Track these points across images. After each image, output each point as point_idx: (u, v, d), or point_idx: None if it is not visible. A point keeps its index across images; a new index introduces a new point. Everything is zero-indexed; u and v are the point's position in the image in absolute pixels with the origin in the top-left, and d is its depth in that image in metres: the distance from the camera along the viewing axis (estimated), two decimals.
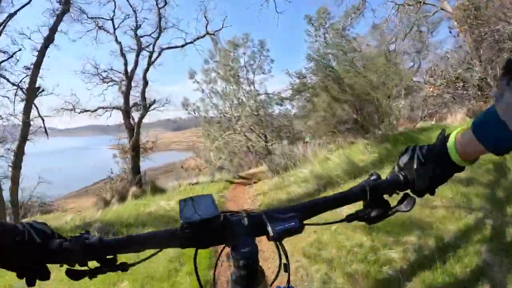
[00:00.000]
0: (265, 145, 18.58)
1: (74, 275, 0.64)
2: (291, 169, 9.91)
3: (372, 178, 0.78)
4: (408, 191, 0.78)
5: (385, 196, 0.78)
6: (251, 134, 18.93)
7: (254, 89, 18.63)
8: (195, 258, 0.73)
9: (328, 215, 0.82)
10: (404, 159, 0.79)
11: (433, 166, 0.73)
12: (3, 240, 0.59)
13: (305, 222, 0.69)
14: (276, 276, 0.77)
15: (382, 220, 0.76)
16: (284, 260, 0.75)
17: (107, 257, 0.66)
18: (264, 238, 0.68)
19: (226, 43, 18.50)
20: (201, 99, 19.23)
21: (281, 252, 0.74)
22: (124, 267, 0.68)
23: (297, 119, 15.86)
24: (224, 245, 0.71)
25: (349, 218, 0.77)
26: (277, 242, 0.70)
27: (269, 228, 0.65)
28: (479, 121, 0.63)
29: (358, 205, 0.81)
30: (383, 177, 0.81)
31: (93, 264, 0.66)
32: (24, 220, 0.98)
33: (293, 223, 0.65)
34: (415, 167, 0.75)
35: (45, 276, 0.63)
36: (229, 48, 18.50)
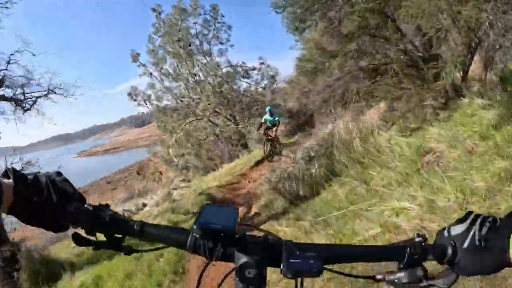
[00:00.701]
0: (236, 128, 16.28)
1: (78, 241, 0.67)
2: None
3: (417, 239, 0.71)
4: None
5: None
6: (217, 118, 16.55)
7: (212, 62, 15.90)
8: (202, 271, 0.69)
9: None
10: (459, 229, 0.69)
11: (485, 254, 0.65)
12: (25, 198, 0.64)
13: (326, 266, 0.66)
14: None
15: None
16: None
17: (115, 235, 0.69)
18: None
19: (171, 11, 15.62)
20: (150, 84, 16.45)
21: None
22: (128, 251, 0.70)
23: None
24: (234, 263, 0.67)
25: (378, 278, 0.71)
26: (295, 280, 0.66)
27: (283, 262, 0.62)
28: None
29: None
30: (430, 240, 0.74)
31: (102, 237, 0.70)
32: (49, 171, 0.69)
33: (311, 265, 0.61)
34: (466, 245, 0.66)
35: (64, 229, 0.69)
36: (175, 16, 15.63)
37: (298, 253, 0.63)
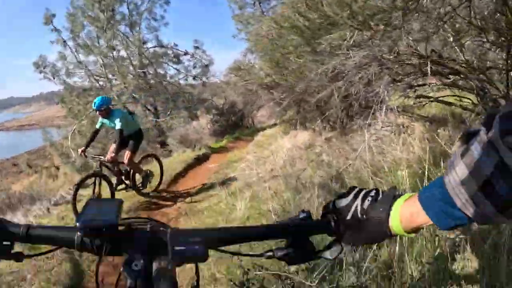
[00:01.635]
0: (156, 121, 14.87)
1: None
2: None
3: (301, 216, 0.80)
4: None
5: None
6: (135, 106, 14.99)
7: (138, 36, 14.31)
8: (97, 268, 0.76)
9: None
10: (343, 202, 0.79)
11: (367, 226, 0.74)
12: None
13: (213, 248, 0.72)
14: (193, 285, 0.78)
15: (304, 262, 0.88)
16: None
17: (4, 242, 0.68)
18: None
19: None
20: (61, 55, 14.31)
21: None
22: (19, 257, 0.70)
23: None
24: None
25: (266, 255, 0.78)
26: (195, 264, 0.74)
27: (169, 250, 0.66)
28: (427, 190, 0.66)
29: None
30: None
31: None
32: None
33: (196, 250, 0.67)
34: (348, 217, 0.76)
35: None
36: None
37: (183, 240, 0.67)
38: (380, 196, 0.76)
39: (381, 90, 3.57)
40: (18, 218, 6.60)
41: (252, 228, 0.81)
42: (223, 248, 0.77)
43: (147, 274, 0.64)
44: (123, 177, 6.42)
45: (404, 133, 3.88)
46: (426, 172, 2.79)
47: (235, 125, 19.33)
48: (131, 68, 14.49)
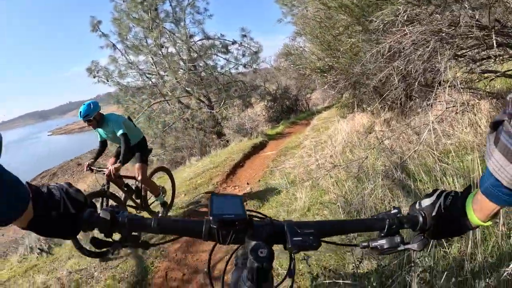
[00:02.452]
0: (210, 112, 15.07)
1: (97, 244, 0.80)
2: None
3: (393, 211, 0.91)
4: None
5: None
6: (189, 99, 15.28)
7: (184, 31, 14.51)
8: (210, 253, 0.92)
9: None
10: (427, 201, 0.91)
11: (450, 220, 0.87)
12: (45, 213, 0.72)
13: (322, 239, 0.82)
14: (282, 280, 0.91)
15: (392, 253, 0.89)
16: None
17: (133, 233, 0.81)
18: None
19: None
20: (112, 58, 14.89)
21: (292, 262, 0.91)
22: (146, 245, 0.86)
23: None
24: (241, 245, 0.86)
25: (363, 245, 0.90)
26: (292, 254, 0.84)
27: (288, 240, 0.77)
28: (482, 180, 0.75)
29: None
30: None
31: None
32: (58, 184, 0.79)
33: (311, 241, 0.77)
34: (433, 214, 0.88)
35: (77, 234, 0.80)
36: None
37: (299, 231, 0.79)
38: (459, 195, 0.88)
39: (442, 66, 3.34)
40: None
41: (353, 221, 0.93)
42: (326, 239, 0.87)
43: (271, 259, 0.74)
44: (133, 196, 5.38)
45: (469, 112, 3.61)
46: None
47: (289, 110, 19.22)
48: (181, 63, 14.75)
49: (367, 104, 6.66)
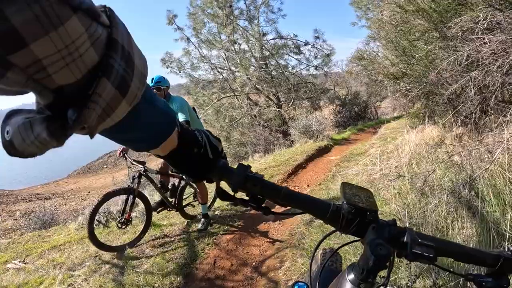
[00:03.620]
0: (278, 111, 15.10)
1: (222, 196, 0.83)
2: None
3: (509, 252, 0.84)
4: None
5: None
6: (258, 96, 15.42)
7: (257, 29, 14.64)
8: (326, 236, 0.91)
9: None
10: None
11: None
12: (187, 147, 0.76)
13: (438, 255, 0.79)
14: (383, 283, 0.84)
15: None
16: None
17: (258, 196, 0.81)
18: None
19: None
20: (186, 51, 15.44)
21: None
22: (267, 211, 0.84)
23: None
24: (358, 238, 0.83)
25: (469, 278, 0.85)
26: (392, 259, 0.81)
27: (408, 247, 0.76)
28: None
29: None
30: None
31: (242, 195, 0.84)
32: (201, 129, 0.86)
33: (429, 253, 0.75)
34: None
35: (210, 181, 0.83)
36: None
37: (419, 242, 0.76)
38: None
39: None
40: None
41: (468, 248, 0.87)
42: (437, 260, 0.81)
43: (390, 260, 0.74)
44: (167, 194, 5.15)
45: None
46: None
47: (358, 116, 18.82)
48: (253, 60, 14.94)
49: (439, 116, 6.32)
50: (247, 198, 0.82)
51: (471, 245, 2.82)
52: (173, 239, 4.80)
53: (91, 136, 0.49)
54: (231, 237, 4.76)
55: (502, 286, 0.80)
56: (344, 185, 0.84)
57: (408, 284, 2.49)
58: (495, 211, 2.93)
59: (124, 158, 4.66)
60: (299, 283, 0.99)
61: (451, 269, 0.94)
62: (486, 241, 2.59)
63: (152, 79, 4.71)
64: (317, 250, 0.97)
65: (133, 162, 4.60)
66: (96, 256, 4.46)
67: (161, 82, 4.70)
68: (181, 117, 4.61)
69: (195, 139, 0.78)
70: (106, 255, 4.42)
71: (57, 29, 0.37)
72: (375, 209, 0.78)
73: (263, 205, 0.82)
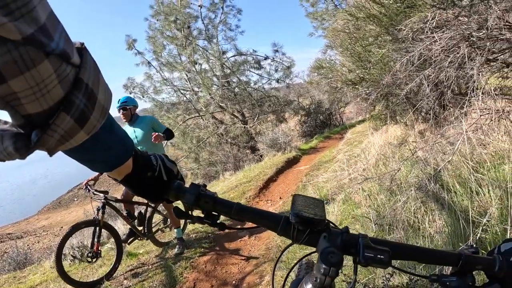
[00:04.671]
0: (244, 127, 15.13)
1: (179, 214, 0.86)
2: None
3: (471, 249, 0.86)
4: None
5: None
6: (223, 114, 15.45)
7: (216, 47, 14.73)
8: (283, 251, 0.95)
9: None
10: (508, 245, 0.84)
11: None
12: (142, 172, 0.81)
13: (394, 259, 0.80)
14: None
15: None
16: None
17: (213, 213, 0.85)
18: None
19: None
20: (148, 75, 15.37)
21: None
22: (222, 227, 0.87)
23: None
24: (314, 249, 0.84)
25: (432, 278, 0.85)
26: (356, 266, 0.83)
27: (360, 253, 0.76)
28: None
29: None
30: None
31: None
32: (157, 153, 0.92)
33: (382, 257, 0.75)
34: None
35: (168, 201, 0.88)
36: None
37: (373, 246, 0.77)
38: None
39: (474, 72, 3.20)
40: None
41: (427, 250, 0.87)
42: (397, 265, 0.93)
43: (340, 266, 0.74)
44: (135, 223, 4.90)
45: (504, 119, 3.42)
46: None
47: (323, 124, 19.11)
48: (214, 79, 14.97)
49: (400, 116, 6.50)
50: (202, 215, 0.85)
51: (444, 236, 2.89)
52: (150, 267, 4.71)
53: (50, 155, 0.56)
54: (208, 258, 4.71)
55: (467, 285, 0.82)
56: (295, 197, 0.87)
57: (384, 282, 2.50)
58: (463, 200, 3.01)
59: (87, 190, 4.51)
60: None
61: (414, 271, 0.95)
62: (458, 230, 2.65)
63: (119, 100, 4.67)
64: (297, 261, 1.01)
65: (95, 192, 4.45)
66: None
67: (127, 102, 4.69)
68: (161, 130, 4.74)
69: (149, 164, 0.83)
70: None
71: (31, 71, 0.44)
72: (322, 219, 0.79)
73: (218, 221, 0.85)
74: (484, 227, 2.57)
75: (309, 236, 0.80)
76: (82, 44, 0.54)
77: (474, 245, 0.89)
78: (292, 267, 1.04)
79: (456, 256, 0.83)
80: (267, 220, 0.84)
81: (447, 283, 0.82)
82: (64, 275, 4.04)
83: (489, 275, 0.84)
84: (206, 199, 0.82)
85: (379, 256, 0.75)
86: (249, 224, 0.88)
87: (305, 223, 0.79)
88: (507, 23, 2.96)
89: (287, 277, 1.09)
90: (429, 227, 3.10)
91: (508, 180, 2.48)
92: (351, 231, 0.83)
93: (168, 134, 4.77)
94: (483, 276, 0.87)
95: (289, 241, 0.83)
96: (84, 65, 0.51)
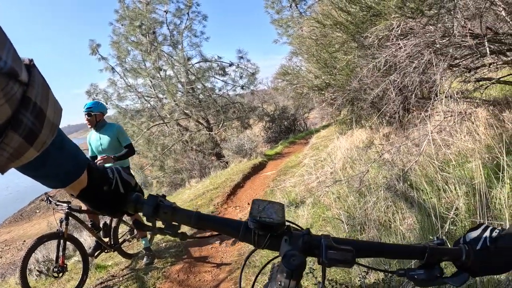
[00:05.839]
0: (209, 134, 15.11)
1: (139, 226, 0.90)
2: None
3: (436, 241, 0.86)
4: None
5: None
6: (187, 121, 15.36)
7: (181, 54, 14.67)
8: (247, 257, 0.97)
9: None
10: (472, 235, 0.86)
11: (495, 256, 0.81)
12: (97, 186, 0.81)
13: (357, 260, 0.81)
14: None
15: (431, 286, 0.85)
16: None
17: (173, 223, 0.85)
18: None
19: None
20: (111, 81, 15.07)
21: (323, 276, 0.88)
22: (184, 236, 0.87)
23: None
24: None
25: (400, 273, 0.85)
26: (324, 267, 0.85)
27: (323, 253, 0.77)
28: None
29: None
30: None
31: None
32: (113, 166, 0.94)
33: (346, 257, 0.76)
34: (478, 247, 0.82)
35: (128, 214, 0.89)
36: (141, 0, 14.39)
37: (335, 246, 0.78)
38: (506, 230, 0.83)
39: (437, 77, 3.39)
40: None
41: (392, 246, 0.88)
42: (362, 261, 0.88)
43: (302, 268, 0.74)
44: (101, 234, 4.78)
45: (467, 120, 3.64)
46: (502, 162, 2.59)
47: (288, 130, 19.31)
48: (179, 85, 14.90)
49: (366, 120, 6.71)
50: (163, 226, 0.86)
51: (415, 232, 3.02)
52: (121, 279, 4.59)
53: (1, 173, 0.55)
54: (180, 267, 4.66)
55: (434, 276, 0.83)
56: (254, 201, 0.88)
57: (360, 280, 2.57)
58: (431, 198, 3.17)
59: (48, 202, 4.30)
60: None
61: (389, 268, 0.97)
62: (428, 226, 2.78)
63: (85, 105, 4.57)
64: (268, 265, 0.99)
65: (58, 203, 4.26)
66: None
67: (92, 108, 4.56)
68: (125, 142, 4.63)
69: (105, 177, 0.83)
70: None
71: None
72: (281, 223, 0.80)
73: (179, 231, 0.86)
74: (452, 220, 2.73)
75: (270, 240, 0.81)
76: (31, 60, 0.55)
77: (440, 238, 0.88)
78: (259, 272, 1.06)
79: (421, 249, 0.84)
80: (228, 227, 0.85)
81: (415, 276, 0.83)
82: None
83: (458, 265, 0.86)
84: (165, 210, 0.83)
85: (342, 256, 0.76)
86: (212, 233, 0.90)
87: (264, 227, 0.80)
88: (470, 31, 3.17)
89: (254, 281, 1.12)
90: (400, 225, 3.22)
91: (472, 177, 2.64)
92: (322, 233, 0.83)
93: (128, 151, 4.64)
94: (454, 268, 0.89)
95: None
96: (32, 83, 0.52)
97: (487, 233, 0.83)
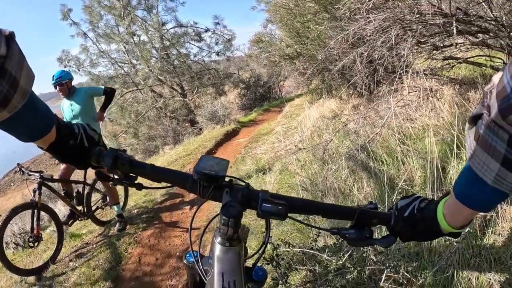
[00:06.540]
0: (183, 100, 14.93)
1: (100, 177, 0.99)
2: None
3: (369, 206, 0.94)
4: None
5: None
6: (162, 88, 15.11)
7: (156, 18, 14.24)
8: (197, 208, 1.11)
9: None
10: (403, 202, 0.92)
11: (420, 224, 0.87)
12: (64, 140, 0.89)
13: (290, 215, 0.88)
14: (260, 248, 1.02)
15: (360, 246, 1.06)
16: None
17: (131, 174, 0.93)
18: None
19: None
20: (83, 47, 14.56)
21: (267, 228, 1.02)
22: (139, 187, 0.96)
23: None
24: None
25: (333, 231, 0.93)
26: (266, 220, 1.00)
27: (259, 205, 0.84)
28: (459, 184, 0.74)
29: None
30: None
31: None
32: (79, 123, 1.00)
33: (279, 210, 0.83)
34: (406, 214, 0.89)
35: (92, 167, 0.98)
36: None
37: (270, 200, 0.85)
38: (435, 200, 0.88)
39: (405, 53, 3.41)
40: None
41: (325, 205, 0.94)
42: (297, 216, 0.94)
43: (239, 217, 0.83)
44: (74, 203, 4.76)
45: (432, 97, 3.70)
46: (455, 140, 2.67)
47: (263, 97, 19.24)
48: (153, 51, 14.57)
49: (336, 90, 6.74)
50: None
51: (372, 200, 3.10)
52: (94, 246, 4.65)
53: None
54: (151, 233, 4.74)
55: (364, 237, 0.89)
56: (201, 157, 0.95)
57: (312, 243, 2.60)
58: (391, 169, 3.25)
59: (21, 173, 4.26)
60: (190, 252, 1.09)
61: (319, 226, 1.02)
62: (383, 195, 2.85)
63: (53, 76, 4.52)
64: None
65: (30, 173, 4.24)
66: (22, 280, 4.06)
67: (61, 77, 4.54)
68: (99, 92, 4.85)
69: (72, 132, 0.90)
70: (32, 278, 4.09)
71: None
72: (222, 175, 0.87)
73: (136, 182, 0.94)
74: (407, 192, 2.81)
75: (213, 191, 0.88)
76: (11, 33, 0.60)
77: (373, 202, 0.95)
78: (207, 225, 1.15)
79: (352, 211, 0.90)
80: (178, 179, 0.92)
81: (346, 235, 0.90)
82: (8, 264, 3.81)
83: (389, 229, 0.92)
84: (123, 162, 0.89)
85: (275, 209, 0.83)
86: (165, 184, 0.94)
87: (208, 179, 0.86)
88: (439, 10, 3.17)
89: (203, 233, 1.25)
90: (358, 193, 3.30)
91: (429, 151, 2.71)
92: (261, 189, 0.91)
93: (107, 96, 4.80)
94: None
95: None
96: (10, 56, 0.58)
97: (416, 202, 0.89)
